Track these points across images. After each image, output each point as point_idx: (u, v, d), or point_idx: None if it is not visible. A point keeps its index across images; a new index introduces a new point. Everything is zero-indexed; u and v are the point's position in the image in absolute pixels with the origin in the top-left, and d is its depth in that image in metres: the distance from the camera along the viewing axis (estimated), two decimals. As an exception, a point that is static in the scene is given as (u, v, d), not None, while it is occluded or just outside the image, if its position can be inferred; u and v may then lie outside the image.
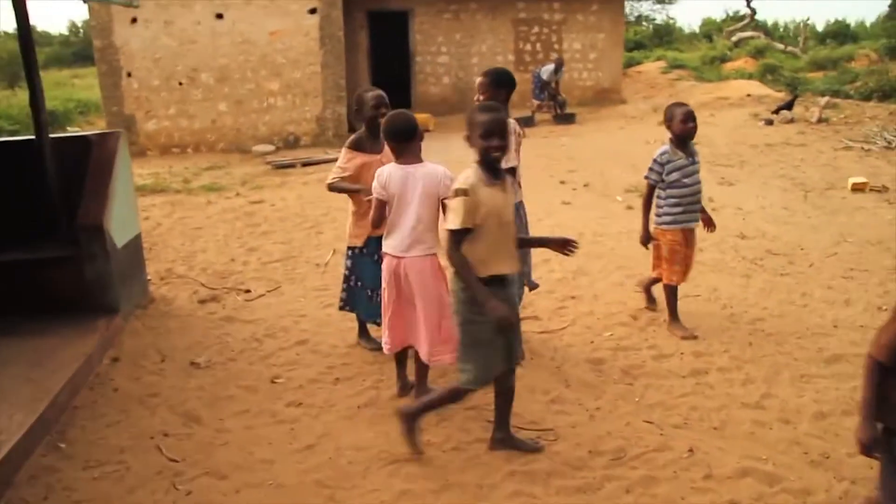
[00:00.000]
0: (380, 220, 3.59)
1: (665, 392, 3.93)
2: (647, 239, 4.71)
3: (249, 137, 12.87)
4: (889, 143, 10.78)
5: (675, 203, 4.53)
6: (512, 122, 3.88)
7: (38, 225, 4.80)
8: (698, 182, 4.58)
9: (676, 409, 3.73)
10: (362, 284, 4.29)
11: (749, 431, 3.48)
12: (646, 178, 4.61)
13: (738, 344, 4.48)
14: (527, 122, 14.26)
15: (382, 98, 4.18)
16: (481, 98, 4.08)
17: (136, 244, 5.26)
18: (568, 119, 15.52)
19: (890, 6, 35.74)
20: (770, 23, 32.09)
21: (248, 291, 5.54)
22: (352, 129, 15.23)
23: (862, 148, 10.76)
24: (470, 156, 3.06)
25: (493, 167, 3.03)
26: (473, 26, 17.22)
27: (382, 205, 3.54)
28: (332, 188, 4.26)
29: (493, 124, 2.96)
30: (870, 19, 44.01)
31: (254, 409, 3.77)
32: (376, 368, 4.22)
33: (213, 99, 12.72)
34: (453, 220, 2.95)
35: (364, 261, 4.26)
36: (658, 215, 4.62)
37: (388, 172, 3.49)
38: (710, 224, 4.75)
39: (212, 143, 12.87)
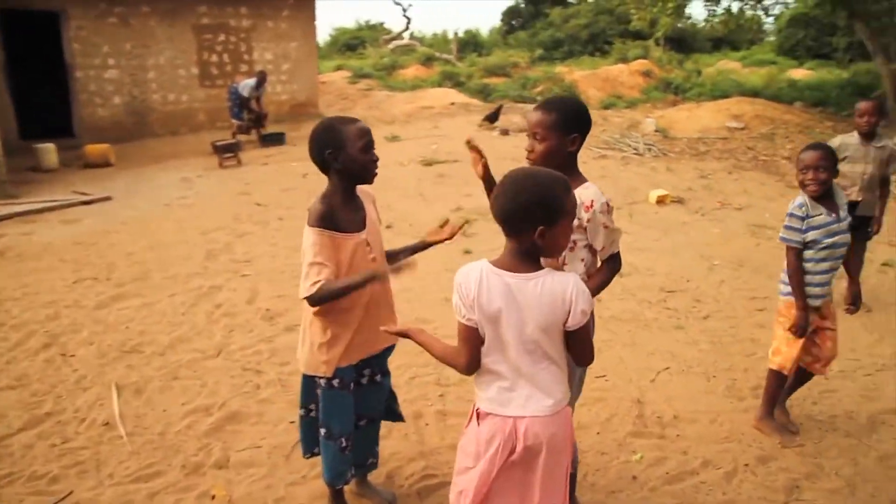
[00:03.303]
0: (472, 359, 2.06)
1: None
2: (803, 326, 3.45)
3: None
4: (636, 149, 11.16)
5: (809, 269, 3.42)
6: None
7: None
8: (844, 245, 3.44)
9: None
10: (330, 433, 2.70)
11: None
12: (783, 240, 3.43)
13: (787, 434, 3.62)
14: (232, 148, 12.06)
15: (370, 134, 2.62)
16: (539, 147, 2.51)
17: None
18: (276, 140, 13.55)
19: (502, 21, 41.22)
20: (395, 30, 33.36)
21: (13, 510, 3.14)
22: (34, 170, 11.44)
23: (622, 157, 10.93)
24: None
25: None
26: (147, 34, 14.39)
27: (475, 334, 2.03)
28: (323, 298, 2.45)
29: None
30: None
31: None
32: None
33: None
34: None
35: (336, 397, 2.68)
36: (783, 282, 3.51)
37: (477, 282, 1.99)
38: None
39: None
